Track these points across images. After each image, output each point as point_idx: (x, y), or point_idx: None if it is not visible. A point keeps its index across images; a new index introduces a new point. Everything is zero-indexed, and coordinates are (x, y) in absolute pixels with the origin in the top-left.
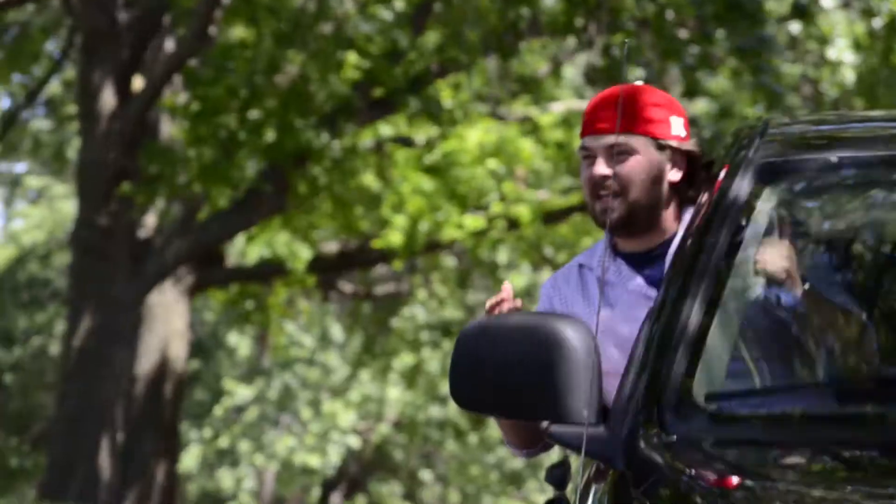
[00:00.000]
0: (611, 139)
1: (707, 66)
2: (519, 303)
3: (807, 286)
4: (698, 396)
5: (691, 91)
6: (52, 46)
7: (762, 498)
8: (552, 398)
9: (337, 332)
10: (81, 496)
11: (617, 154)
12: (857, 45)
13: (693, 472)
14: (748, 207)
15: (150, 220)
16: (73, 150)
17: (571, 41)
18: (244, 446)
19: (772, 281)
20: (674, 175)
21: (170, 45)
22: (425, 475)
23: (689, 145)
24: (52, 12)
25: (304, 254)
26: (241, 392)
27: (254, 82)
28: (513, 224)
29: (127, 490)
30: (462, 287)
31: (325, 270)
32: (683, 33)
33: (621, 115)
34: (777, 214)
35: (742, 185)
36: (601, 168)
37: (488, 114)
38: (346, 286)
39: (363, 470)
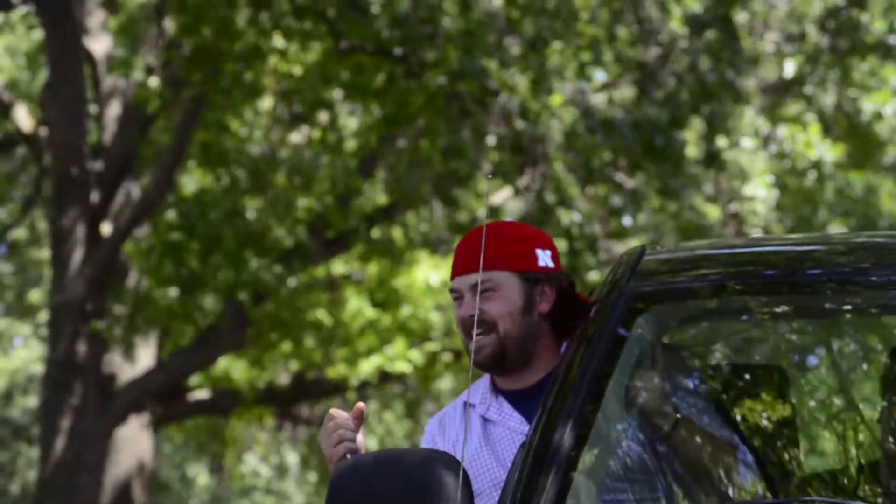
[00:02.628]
0: (475, 278)
1: (636, 205)
2: (350, 422)
3: (679, 416)
4: None
5: (618, 233)
6: (16, 194)
7: None
8: None
9: (293, 459)
10: None
11: (483, 292)
12: (772, 185)
13: None
14: (619, 337)
15: (116, 358)
16: (35, 294)
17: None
18: None
19: (644, 412)
20: (543, 307)
21: (136, 190)
22: None
23: (558, 275)
24: (17, 160)
25: (258, 383)
26: None
27: (213, 226)
28: (457, 354)
29: None
30: (411, 417)
31: (281, 401)
32: (615, 176)
33: (484, 252)
34: (649, 344)
35: (613, 315)
36: (469, 308)
37: (433, 253)
38: (303, 411)
39: None
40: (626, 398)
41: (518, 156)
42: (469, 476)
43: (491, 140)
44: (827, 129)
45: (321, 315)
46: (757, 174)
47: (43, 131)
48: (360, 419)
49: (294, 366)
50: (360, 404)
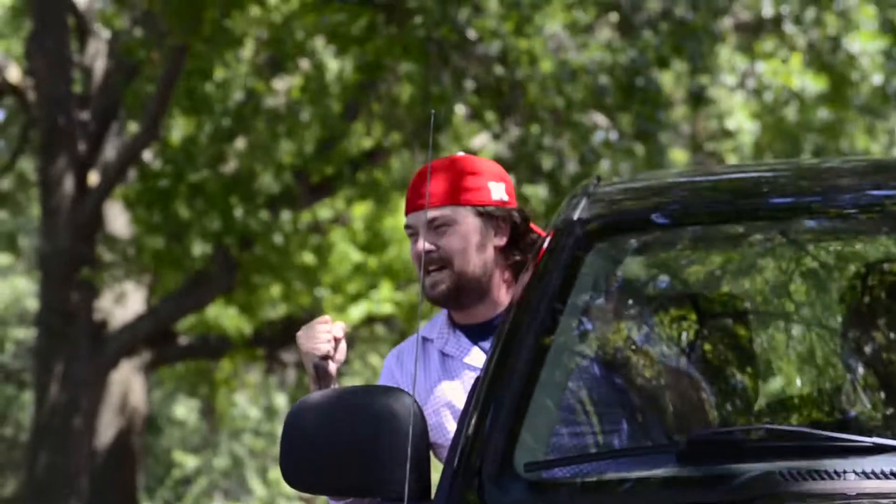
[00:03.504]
0: (430, 213)
1: (610, 149)
2: (338, 331)
3: (633, 346)
4: (518, 465)
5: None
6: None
7: None
8: (378, 474)
9: (282, 402)
10: None
11: (437, 227)
12: (753, 116)
13: None
14: (572, 268)
15: (107, 303)
16: (24, 239)
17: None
18: None
19: (597, 342)
20: (498, 241)
21: (121, 139)
22: None
23: (513, 209)
24: (4, 108)
25: (247, 328)
26: (191, 463)
27: (200, 172)
28: None
29: None
30: None
31: (270, 344)
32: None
33: (438, 188)
34: (602, 274)
35: (566, 247)
36: (423, 243)
37: None
38: (289, 357)
39: None
40: (579, 329)
41: (497, 100)
42: (426, 410)
43: (469, 85)
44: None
45: (308, 258)
46: (738, 109)
47: (30, 82)
48: (339, 338)
49: (282, 309)
50: (341, 323)
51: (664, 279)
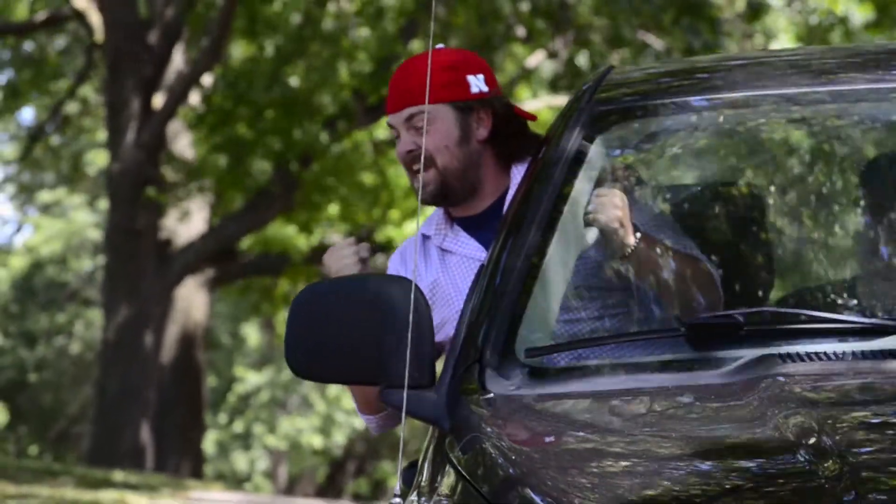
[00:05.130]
0: (408, 112)
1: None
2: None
3: (639, 234)
4: (519, 351)
5: None
6: (69, 67)
7: (574, 451)
8: (383, 361)
9: None
10: (125, 463)
11: (417, 127)
12: (799, 38)
13: (506, 429)
14: (578, 155)
15: (172, 222)
16: (87, 163)
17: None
18: (257, 429)
19: (604, 231)
20: (481, 133)
21: (184, 62)
22: None
23: (493, 98)
24: (68, 34)
25: (307, 246)
26: (252, 378)
27: (261, 93)
28: None
29: (164, 458)
30: None
31: None
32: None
33: (415, 86)
34: (611, 162)
35: (573, 134)
36: (405, 144)
37: None
38: None
39: (370, 449)
40: (586, 217)
41: (550, 21)
42: (429, 303)
43: (524, 6)
44: None
45: (367, 178)
46: (783, 31)
47: (93, 7)
48: (365, 258)
49: (341, 228)
50: (366, 244)
51: (671, 166)
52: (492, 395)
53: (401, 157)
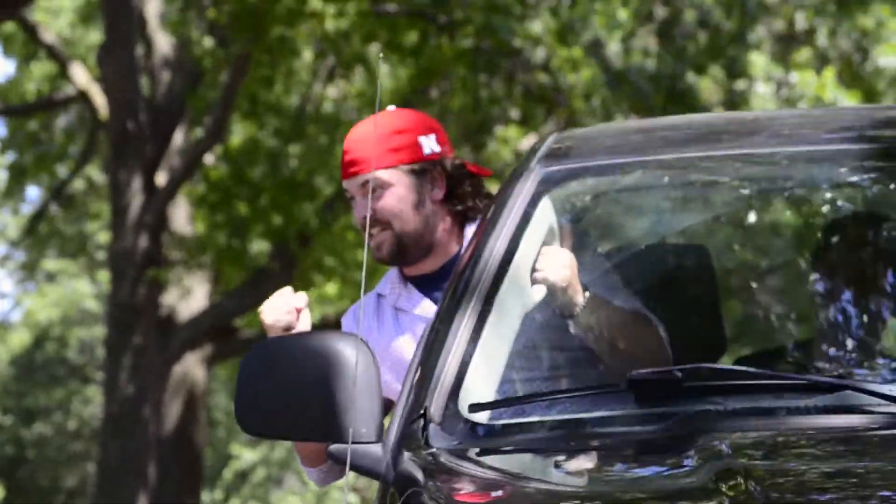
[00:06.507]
0: (362, 178)
1: None
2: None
3: (587, 293)
4: (463, 407)
5: None
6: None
7: None
8: (328, 418)
9: None
10: None
11: (372, 192)
12: None
13: (446, 485)
14: (525, 215)
15: (173, 298)
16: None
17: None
18: None
19: (551, 290)
20: (436, 194)
21: (186, 142)
22: None
23: (445, 159)
24: (74, 114)
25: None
26: (248, 456)
27: (261, 174)
28: None
29: None
30: None
31: None
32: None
33: (368, 151)
34: (558, 221)
35: (521, 195)
36: (360, 209)
37: None
38: None
39: None
40: (533, 276)
41: (542, 105)
42: (386, 362)
43: (518, 91)
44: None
45: (361, 256)
46: None
47: (96, 88)
48: (300, 309)
49: (340, 306)
50: (303, 294)
51: (615, 224)
52: (434, 449)
53: (358, 223)
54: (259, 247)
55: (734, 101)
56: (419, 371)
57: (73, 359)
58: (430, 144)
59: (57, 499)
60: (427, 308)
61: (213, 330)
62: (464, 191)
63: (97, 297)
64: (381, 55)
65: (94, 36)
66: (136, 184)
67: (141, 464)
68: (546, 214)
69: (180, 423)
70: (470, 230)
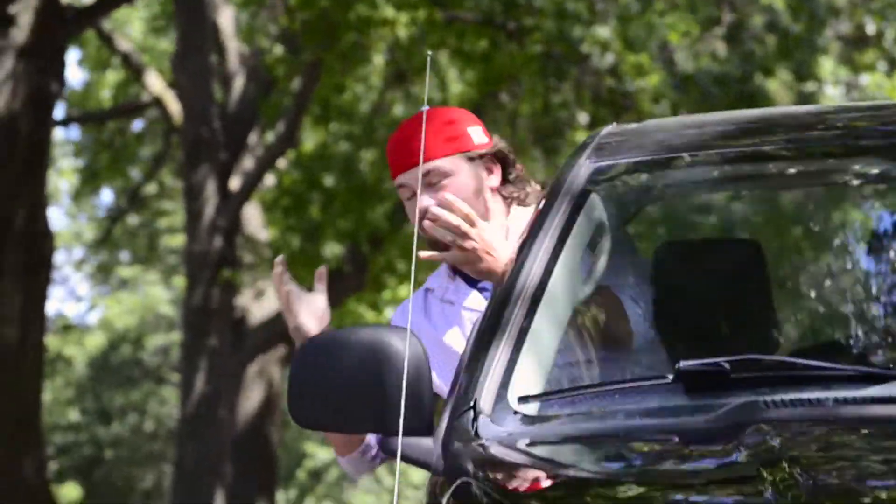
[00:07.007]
0: (423, 169)
1: None
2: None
3: (632, 288)
4: (512, 399)
5: None
6: (144, 151)
7: (562, 495)
8: (378, 410)
9: None
10: None
11: (434, 183)
12: None
13: (496, 474)
14: (574, 210)
15: (246, 301)
16: (163, 244)
17: None
18: None
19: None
20: (493, 181)
21: (259, 147)
22: None
23: (495, 147)
24: (146, 119)
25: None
26: (321, 454)
27: (333, 179)
28: None
29: None
30: None
31: None
32: None
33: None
34: (604, 217)
35: (571, 189)
36: (424, 200)
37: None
38: None
39: None
40: (582, 272)
41: (611, 109)
42: (439, 356)
43: (587, 96)
44: None
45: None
46: None
47: (170, 95)
48: (322, 281)
49: None
50: (322, 268)
51: (665, 218)
52: (483, 440)
53: (420, 215)
54: (332, 250)
55: (803, 103)
56: (469, 363)
57: (148, 361)
58: (478, 135)
59: (133, 499)
60: (475, 300)
61: (286, 331)
62: (516, 178)
63: (172, 303)
64: (430, 53)
65: (165, 44)
66: (210, 188)
67: (217, 464)
68: (595, 208)
69: (255, 423)
70: (514, 216)
